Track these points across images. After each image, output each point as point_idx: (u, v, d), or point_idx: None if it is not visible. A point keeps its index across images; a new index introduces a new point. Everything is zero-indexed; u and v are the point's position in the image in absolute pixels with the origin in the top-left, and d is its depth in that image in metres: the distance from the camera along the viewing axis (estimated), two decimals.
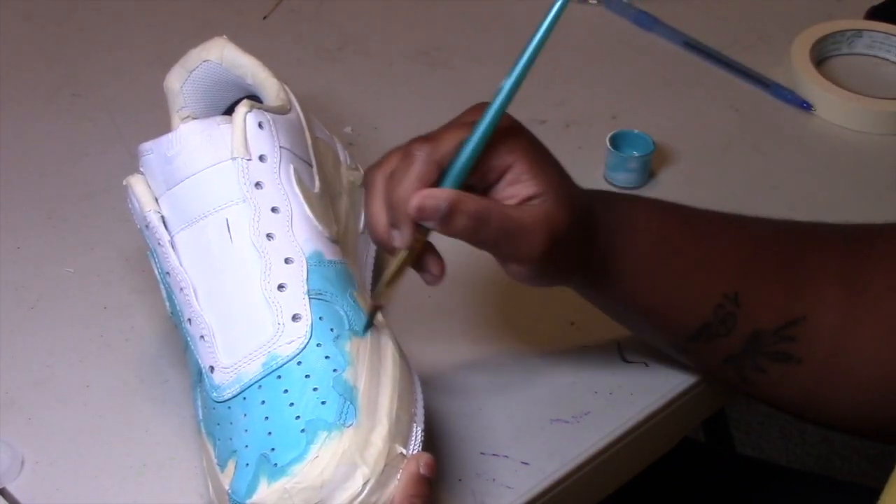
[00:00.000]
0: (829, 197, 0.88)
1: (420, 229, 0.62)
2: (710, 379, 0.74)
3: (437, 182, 0.61)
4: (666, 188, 0.88)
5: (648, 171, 0.88)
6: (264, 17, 1.05)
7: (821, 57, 1.00)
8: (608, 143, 0.87)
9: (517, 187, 0.62)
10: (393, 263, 0.63)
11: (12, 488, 0.67)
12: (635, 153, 0.88)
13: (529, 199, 0.62)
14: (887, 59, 1.01)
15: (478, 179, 0.62)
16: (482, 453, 0.70)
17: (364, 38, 1.03)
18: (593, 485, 0.72)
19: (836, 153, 0.93)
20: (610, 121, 0.93)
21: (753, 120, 0.95)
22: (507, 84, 0.61)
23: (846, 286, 0.68)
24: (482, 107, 0.62)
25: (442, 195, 0.60)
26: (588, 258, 0.66)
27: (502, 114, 0.61)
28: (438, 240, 0.63)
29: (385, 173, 0.62)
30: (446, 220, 0.61)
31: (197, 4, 1.06)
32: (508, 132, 0.62)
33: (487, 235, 0.62)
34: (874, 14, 1.04)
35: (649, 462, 0.77)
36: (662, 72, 1.00)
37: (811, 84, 0.96)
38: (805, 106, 0.96)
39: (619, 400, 0.73)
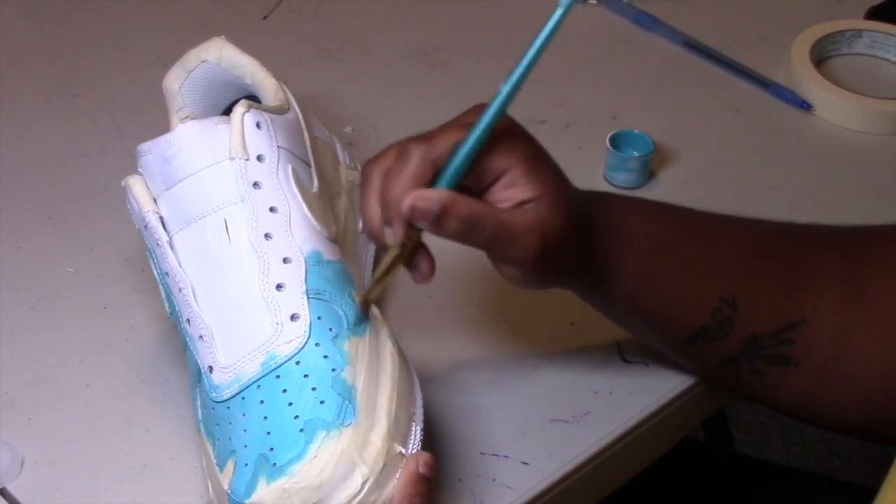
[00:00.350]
0: (829, 197, 0.88)
1: (413, 228, 0.62)
2: (709, 380, 0.74)
3: (431, 181, 0.61)
4: (666, 188, 0.88)
5: (648, 171, 0.88)
6: (264, 17, 1.05)
7: (821, 57, 1.00)
8: (608, 143, 0.87)
9: (512, 191, 0.62)
10: (384, 260, 0.63)
11: (12, 488, 0.67)
12: (635, 153, 0.88)
13: (524, 203, 0.62)
14: (887, 59, 1.01)
15: (474, 181, 0.62)
16: (482, 453, 0.70)
17: (364, 38, 1.03)
18: (593, 485, 0.72)
19: (836, 153, 0.93)
20: (610, 121, 0.94)
21: (753, 120, 0.95)
22: (505, 88, 0.61)
23: (846, 288, 0.68)
24: (481, 108, 0.62)
25: (434, 196, 0.60)
26: (584, 262, 0.66)
27: (499, 117, 0.61)
28: (438, 238, 0.63)
29: (382, 168, 0.62)
30: (438, 222, 0.60)
31: (197, 4, 1.06)
32: (507, 135, 0.62)
33: (479, 238, 0.62)
34: (874, 14, 1.04)
35: (649, 462, 0.77)
36: (662, 72, 1.00)
37: (811, 84, 0.96)
38: (805, 106, 0.96)
39: (619, 400, 0.73)
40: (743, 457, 1.42)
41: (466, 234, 0.61)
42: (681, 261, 0.68)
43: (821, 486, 1.02)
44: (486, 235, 0.62)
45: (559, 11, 0.60)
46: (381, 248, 0.64)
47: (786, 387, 0.69)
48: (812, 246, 0.70)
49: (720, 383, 0.73)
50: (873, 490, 0.61)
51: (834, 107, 0.95)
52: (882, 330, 0.67)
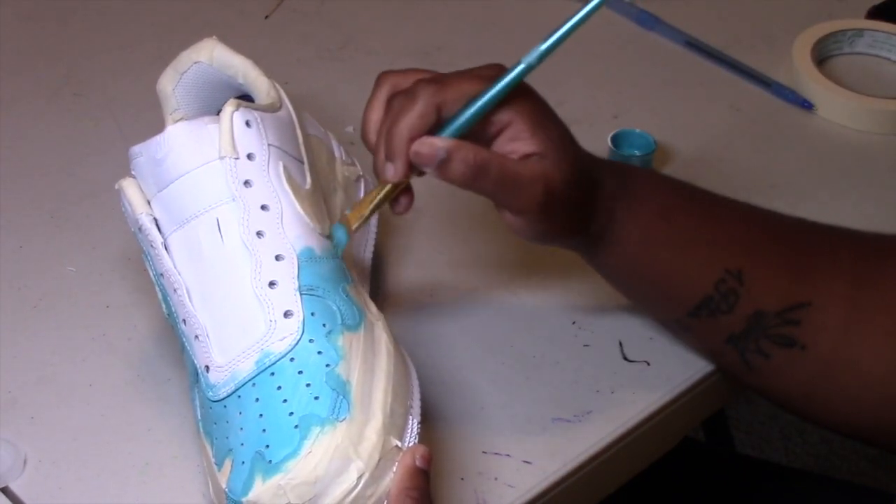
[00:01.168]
0: (829, 197, 0.88)
1: (412, 167, 0.64)
2: (715, 363, 0.74)
3: (435, 122, 0.63)
4: None
5: None
6: (266, 17, 1.05)
7: (822, 56, 1.00)
8: (609, 143, 0.87)
9: (517, 144, 0.64)
10: (377, 194, 0.66)
11: (15, 487, 0.67)
12: (636, 152, 0.88)
13: (528, 156, 0.64)
14: (888, 59, 1.01)
15: (479, 131, 0.64)
16: (484, 452, 0.70)
17: (365, 37, 1.03)
18: (595, 484, 0.72)
19: (837, 152, 0.93)
20: (611, 120, 0.94)
21: (754, 119, 0.95)
22: (529, 58, 0.63)
23: (855, 279, 0.68)
24: (497, 67, 0.65)
25: (440, 143, 0.63)
26: (589, 222, 0.67)
27: (516, 84, 0.64)
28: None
29: (393, 84, 0.66)
30: (443, 167, 0.63)
31: (198, 4, 1.06)
32: (514, 90, 0.64)
33: (484, 184, 0.64)
34: (875, 13, 1.04)
35: (650, 461, 0.77)
36: (664, 71, 1.00)
37: (812, 83, 0.96)
38: (806, 105, 0.96)
39: (620, 399, 0.73)
40: (743, 457, 1.42)
41: (472, 179, 0.63)
42: (686, 229, 0.69)
43: (821, 486, 1.02)
44: (491, 182, 0.64)
45: None
46: (376, 175, 0.66)
47: (791, 373, 0.69)
48: (822, 237, 0.71)
49: (726, 367, 0.73)
50: (874, 490, 0.61)
51: (835, 106, 0.95)
52: (891, 322, 0.67)
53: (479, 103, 0.64)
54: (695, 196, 0.71)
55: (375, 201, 0.66)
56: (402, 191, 0.66)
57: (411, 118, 0.63)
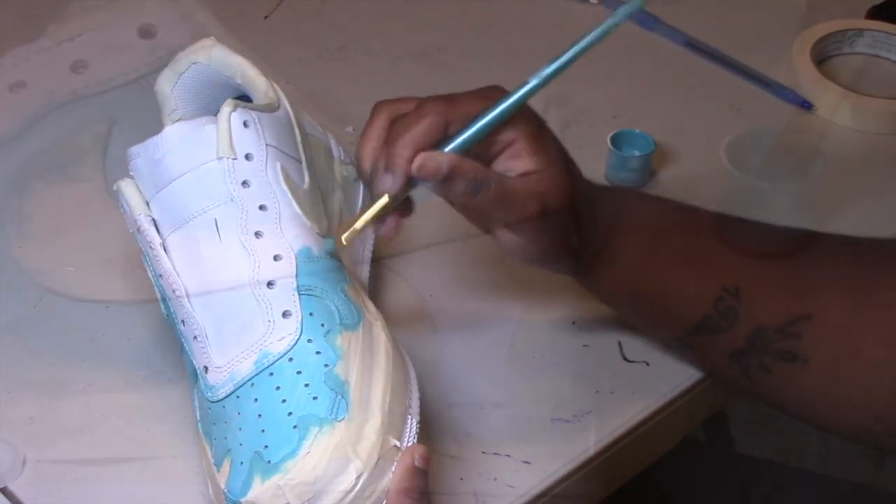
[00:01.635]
0: (829, 197, 0.88)
1: (409, 182, 0.64)
2: (717, 379, 0.74)
3: (440, 138, 0.64)
4: (666, 187, 0.88)
5: (649, 171, 0.88)
6: (266, 17, 1.05)
7: (822, 56, 1.00)
8: (609, 143, 0.87)
9: (516, 162, 0.65)
10: (372, 207, 0.64)
11: (14, 487, 0.68)
12: (636, 152, 0.88)
13: (527, 174, 0.65)
14: (888, 59, 1.01)
15: (480, 149, 0.65)
16: (483, 452, 0.70)
17: (365, 37, 1.03)
18: (594, 484, 0.72)
19: (837, 153, 0.93)
20: (611, 120, 0.94)
21: (754, 119, 0.95)
22: (533, 81, 0.64)
23: (855, 290, 0.68)
24: (498, 89, 0.65)
25: (444, 158, 0.63)
26: (585, 244, 0.67)
27: (519, 106, 0.64)
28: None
29: (392, 111, 0.65)
30: (445, 182, 0.63)
31: (198, 4, 1.06)
32: (519, 111, 0.65)
33: (482, 200, 0.64)
34: (875, 13, 1.04)
35: (650, 461, 0.77)
36: (663, 71, 1.00)
37: (812, 83, 0.96)
38: (806, 105, 0.96)
39: (620, 399, 0.73)
40: (743, 456, 1.42)
41: (471, 194, 0.64)
42: (682, 249, 0.69)
43: (820, 485, 1.02)
44: (490, 198, 0.64)
45: (611, 21, 0.63)
46: (371, 190, 0.65)
47: (794, 385, 0.69)
48: (818, 247, 0.70)
49: (728, 382, 0.73)
50: (874, 490, 0.61)
51: (835, 106, 0.95)
52: (893, 331, 0.66)
53: (484, 121, 0.64)
54: (689, 215, 0.71)
55: (368, 215, 0.64)
56: (392, 211, 0.65)
57: (418, 131, 0.63)
